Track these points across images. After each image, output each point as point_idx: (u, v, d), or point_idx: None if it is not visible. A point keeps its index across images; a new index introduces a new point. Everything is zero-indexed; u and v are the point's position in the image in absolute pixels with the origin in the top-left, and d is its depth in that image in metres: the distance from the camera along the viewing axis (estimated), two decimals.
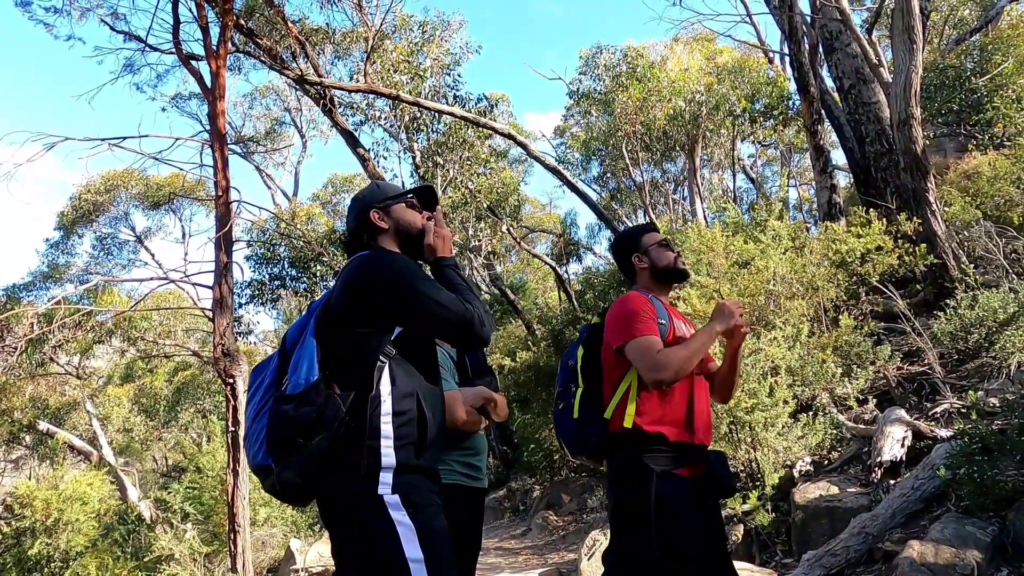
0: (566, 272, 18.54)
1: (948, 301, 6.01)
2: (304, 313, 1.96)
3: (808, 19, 10.12)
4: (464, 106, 12.17)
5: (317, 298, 2.09)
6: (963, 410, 4.80)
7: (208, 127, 8.22)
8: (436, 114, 12.29)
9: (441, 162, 12.82)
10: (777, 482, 5.08)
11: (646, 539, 2.04)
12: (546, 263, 16.98)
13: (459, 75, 13.19)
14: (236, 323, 12.22)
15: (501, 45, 62.38)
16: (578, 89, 17.64)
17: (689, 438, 2.20)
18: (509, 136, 11.76)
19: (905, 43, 6.99)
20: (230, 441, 7.51)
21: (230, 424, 7.48)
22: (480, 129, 12.27)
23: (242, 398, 7.48)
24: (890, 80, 7.97)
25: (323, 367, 1.76)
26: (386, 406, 1.76)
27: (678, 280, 2.52)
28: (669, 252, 2.45)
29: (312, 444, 1.71)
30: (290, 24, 10.63)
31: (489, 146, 13.68)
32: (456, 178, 12.84)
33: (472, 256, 15.67)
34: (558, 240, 19.57)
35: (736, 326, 2.23)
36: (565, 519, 9.14)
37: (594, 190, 19.18)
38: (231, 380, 7.44)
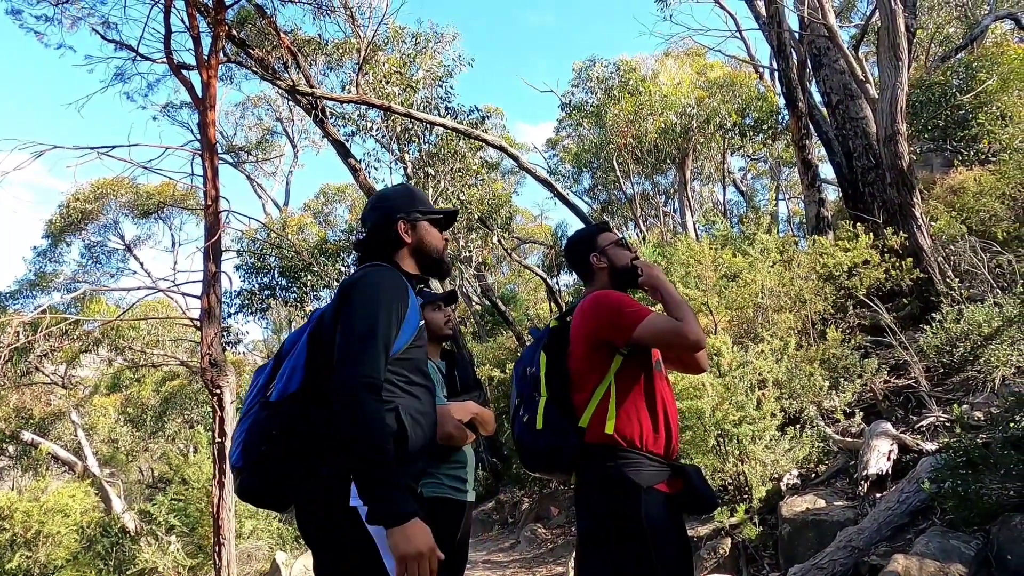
0: (557, 283, 18.56)
1: (934, 315, 6.06)
2: (306, 321, 1.97)
3: (796, 35, 10.25)
4: (456, 118, 12.20)
5: (315, 307, 2.09)
6: (948, 424, 4.83)
7: (199, 136, 8.19)
8: (428, 125, 12.32)
9: (432, 173, 12.85)
10: (764, 495, 5.08)
11: (636, 554, 1.97)
12: (537, 274, 16.99)
13: (451, 87, 13.21)
14: (225, 333, 12.14)
15: (494, 56, 62.82)
16: (570, 102, 17.77)
17: (665, 449, 2.14)
18: (500, 148, 11.80)
19: (891, 60, 7.09)
20: (216, 452, 7.42)
21: (216, 435, 7.40)
22: (472, 141, 12.30)
23: (229, 408, 7.42)
24: (877, 96, 8.07)
25: (311, 377, 1.77)
26: None
27: (633, 283, 2.35)
28: (627, 252, 2.38)
29: (277, 452, 1.73)
30: (282, 35, 10.64)
31: (480, 158, 13.71)
32: (447, 189, 12.86)
33: (463, 267, 15.67)
34: (549, 251, 19.61)
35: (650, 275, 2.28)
36: (554, 532, 9.08)
37: (585, 202, 19.28)
38: (218, 391, 7.38)
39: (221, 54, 8.67)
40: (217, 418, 7.42)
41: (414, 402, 1.84)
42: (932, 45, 13.58)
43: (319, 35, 12.19)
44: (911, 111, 9.55)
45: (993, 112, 9.56)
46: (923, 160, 10.91)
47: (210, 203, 7.81)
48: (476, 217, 13.17)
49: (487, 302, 17.63)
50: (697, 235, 15.34)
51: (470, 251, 14.62)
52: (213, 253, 7.72)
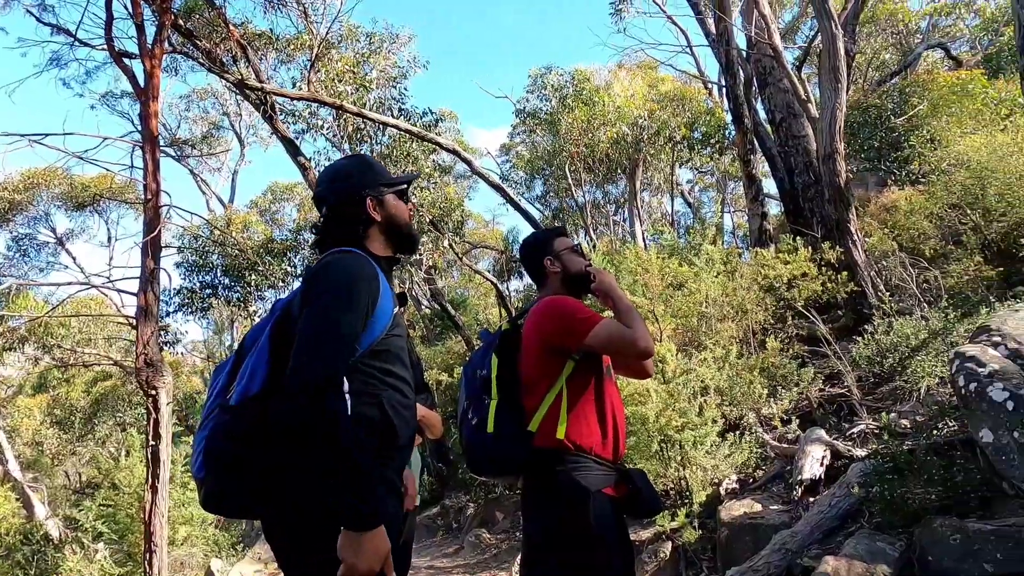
0: (507, 289, 18.62)
1: (866, 327, 6.32)
2: (268, 312, 1.83)
3: (744, 54, 10.60)
4: (409, 119, 12.11)
5: (258, 308, 1.98)
6: (877, 431, 5.04)
7: (140, 128, 7.92)
8: (380, 126, 12.19)
9: None
10: (704, 499, 5.21)
11: (583, 558, 1.97)
12: (487, 279, 16.98)
13: (405, 88, 13.19)
14: (162, 332, 11.71)
15: (449, 59, 62.71)
16: (525, 108, 17.88)
17: (613, 453, 2.16)
18: (453, 151, 11.77)
19: (831, 82, 7.40)
20: (150, 456, 7.15)
21: (150, 438, 7.13)
22: (425, 143, 12.23)
23: (164, 410, 7.16)
24: (817, 115, 8.40)
25: (275, 375, 1.64)
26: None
27: (585, 289, 2.36)
28: (581, 258, 2.40)
29: (241, 458, 1.61)
30: (231, 27, 10.37)
31: (433, 160, 13.65)
32: None
33: (413, 270, 15.54)
34: (500, 256, 19.65)
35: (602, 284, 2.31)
36: (498, 537, 9.07)
37: (537, 209, 19.41)
38: (154, 392, 7.11)
39: (166, 44, 8.40)
40: (152, 420, 7.15)
41: (396, 395, 1.75)
42: (869, 69, 14.25)
43: (270, 29, 11.95)
44: (849, 131, 9.98)
45: (924, 135, 10.07)
46: (859, 179, 11.40)
47: (150, 197, 7.55)
48: (428, 221, 13.08)
49: (436, 306, 17.52)
50: (645, 244, 15.64)
51: (420, 254, 14.51)
52: (152, 249, 7.45)
